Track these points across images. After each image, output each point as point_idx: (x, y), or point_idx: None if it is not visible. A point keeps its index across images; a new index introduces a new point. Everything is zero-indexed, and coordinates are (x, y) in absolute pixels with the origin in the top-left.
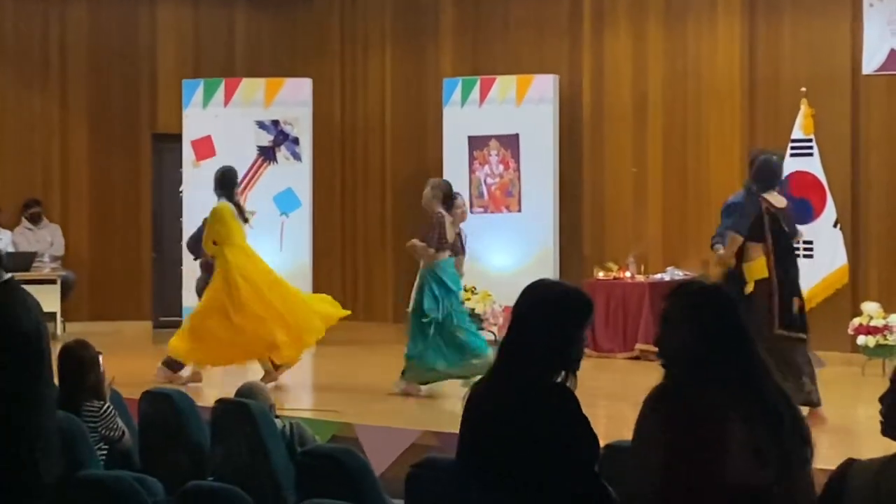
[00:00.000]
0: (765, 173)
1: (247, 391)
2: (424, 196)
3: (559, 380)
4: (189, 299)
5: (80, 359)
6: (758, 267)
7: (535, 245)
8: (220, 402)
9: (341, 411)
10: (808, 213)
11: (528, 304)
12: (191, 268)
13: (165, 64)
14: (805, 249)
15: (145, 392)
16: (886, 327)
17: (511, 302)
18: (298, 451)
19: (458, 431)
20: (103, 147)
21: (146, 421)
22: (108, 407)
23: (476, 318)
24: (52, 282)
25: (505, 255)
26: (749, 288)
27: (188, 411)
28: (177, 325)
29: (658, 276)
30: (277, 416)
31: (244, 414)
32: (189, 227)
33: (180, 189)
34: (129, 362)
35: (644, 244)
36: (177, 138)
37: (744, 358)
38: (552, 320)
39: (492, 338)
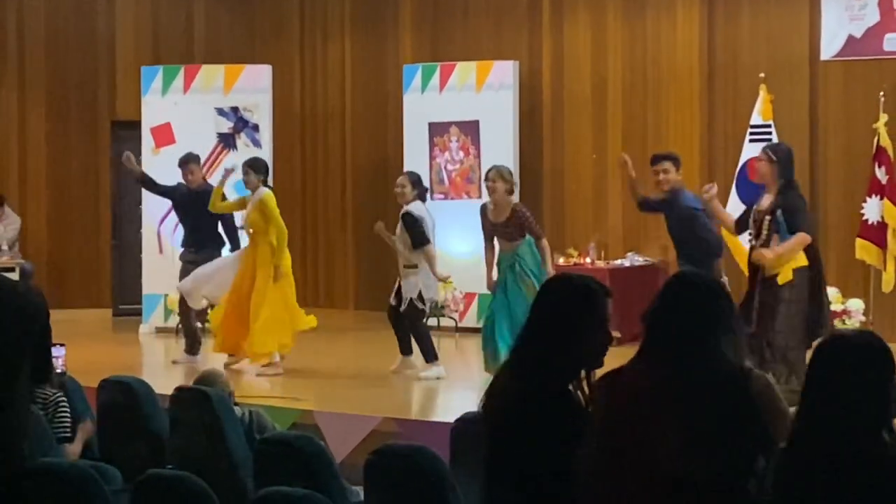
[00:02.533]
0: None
1: (206, 379)
2: (497, 189)
3: (578, 379)
4: (149, 287)
5: None
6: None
7: None
8: (179, 389)
9: (301, 398)
10: None
11: (535, 301)
12: (151, 256)
13: (124, 51)
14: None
15: (103, 380)
16: (845, 312)
17: (472, 288)
18: (257, 439)
19: (421, 419)
20: (62, 134)
21: (104, 409)
22: (59, 395)
23: (437, 306)
24: (11, 269)
25: (465, 241)
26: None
27: (147, 399)
28: (136, 312)
29: (618, 262)
30: (237, 404)
31: (203, 402)
32: (150, 214)
33: None
34: (88, 350)
35: (604, 230)
36: (136, 125)
37: (710, 347)
38: (556, 314)
39: (452, 325)
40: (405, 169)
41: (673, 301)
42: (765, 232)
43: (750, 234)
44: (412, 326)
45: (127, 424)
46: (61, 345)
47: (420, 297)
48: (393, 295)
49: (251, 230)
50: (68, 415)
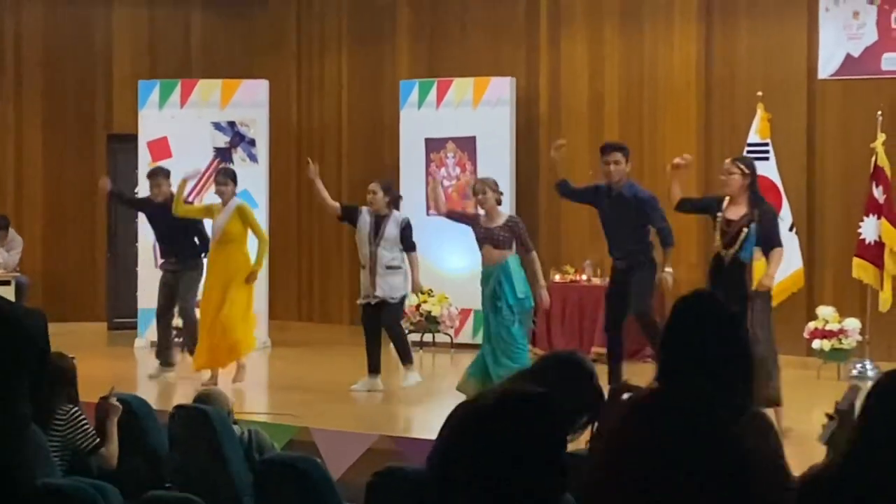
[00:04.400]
0: None
1: (205, 397)
2: (488, 200)
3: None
4: (144, 300)
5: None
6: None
7: None
8: (179, 407)
9: (298, 415)
10: None
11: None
12: (146, 269)
13: (121, 65)
14: None
15: (102, 398)
16: (841, 331)
17: (467, 304)
18: (257, 459)
19: (418, 436)
20: (58, 148)
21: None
22: (74, 409)
23: (432, 321)
24: (6, 283)
25: (461, 257)
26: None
27: (146, 417)
28: (132, 326)
29: None
30: (236, 423)
31: (203, 420)
32: (146, 227)
33: (136, 190)
34: (83, 365)
35: (600, 247)
36: (133, 139)
37: (737, 380)
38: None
39: (448, 340)
40: (401, 184)
41: (686, 329)
42: (738, 243)
43: (719, 240)
44: (394, 327)
45: (126, 442)
46: (71, 357)
47: (403, 298)
48: (367, 297)
49: (225, 238)
50: (88, 424)
